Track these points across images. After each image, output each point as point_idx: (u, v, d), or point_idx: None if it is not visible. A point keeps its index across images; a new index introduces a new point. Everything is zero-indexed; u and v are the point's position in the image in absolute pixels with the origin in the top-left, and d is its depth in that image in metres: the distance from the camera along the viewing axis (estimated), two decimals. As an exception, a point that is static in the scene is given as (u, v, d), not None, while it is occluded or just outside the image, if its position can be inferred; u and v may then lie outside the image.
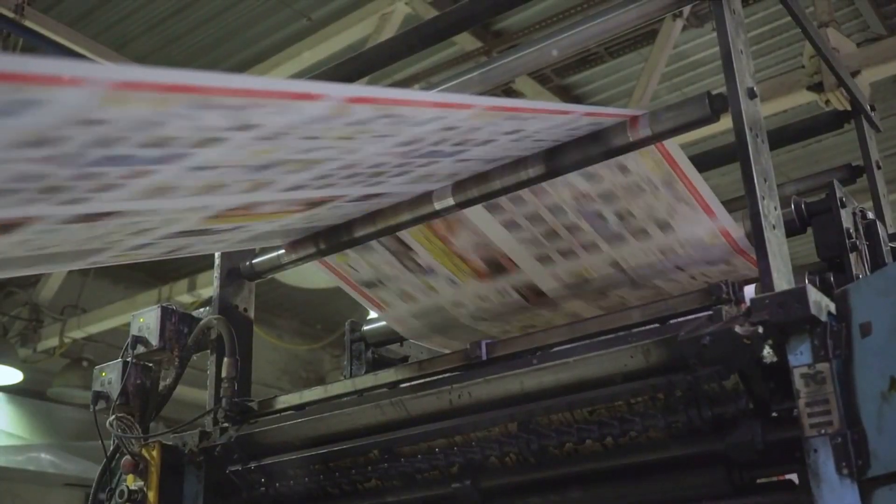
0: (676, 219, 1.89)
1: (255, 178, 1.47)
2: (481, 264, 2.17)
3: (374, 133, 1.38)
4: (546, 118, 1.61)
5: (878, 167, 2.40)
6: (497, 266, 2.17)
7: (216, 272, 2.40)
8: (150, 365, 2.33)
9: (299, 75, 5.54)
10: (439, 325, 2.41)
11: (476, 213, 2.03)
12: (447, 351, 2.43)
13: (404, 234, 2.16)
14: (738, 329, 1.42)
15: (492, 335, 2.36)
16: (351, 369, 2.64)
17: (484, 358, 1.84)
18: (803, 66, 4.43)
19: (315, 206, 1.82)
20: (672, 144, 1.76)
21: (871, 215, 1.98)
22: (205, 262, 6.41)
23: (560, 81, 6.21)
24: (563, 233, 2.02)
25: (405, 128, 1.37)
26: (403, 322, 2.45)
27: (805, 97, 4.56)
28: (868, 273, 1.86)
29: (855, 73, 4.38)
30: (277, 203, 1.70)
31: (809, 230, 1.94)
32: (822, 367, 1.36)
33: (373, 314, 2.57)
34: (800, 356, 1.39)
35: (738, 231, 1.88)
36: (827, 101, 4.26)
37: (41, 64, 0.87)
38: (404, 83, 5.92)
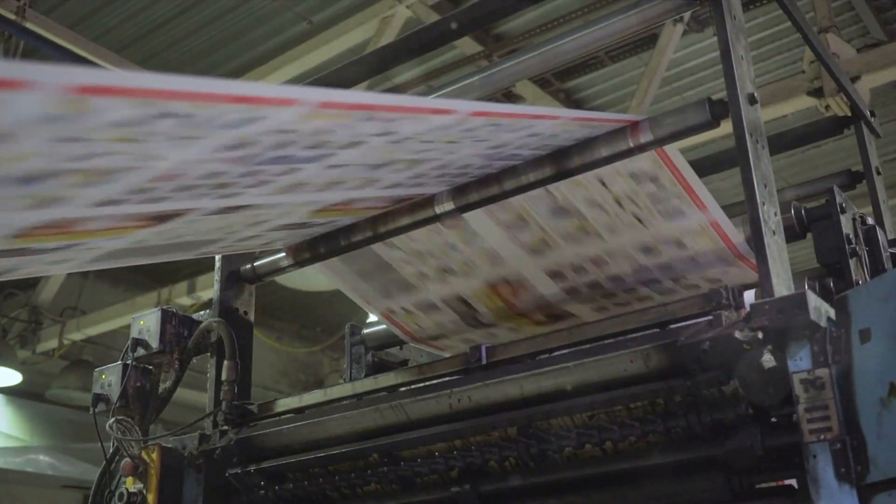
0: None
1: (369, 175, 1.57)
2: (542, 318, 2.25)
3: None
4: (549, 123, 1.65)
5: (878, 173, 2.40)
6: (557, 318, 2.23)
7: (217, 275, 2.41)
8: (150, 367, 2.33)
9: (300, 79, 5.55)
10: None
11: (540, 280, 2.11)
12: (447, 355, 2.43)
13: (470, 297, 2.24)
14: (737, 334, 1.43)
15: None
16: (351, 372, 2.64)
17: (484, 362, 1.84)
18: (803, 72, 4.43)
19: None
20: (672, 150, 1.76)
21: (870, 221, 1.98)
22: (204, 265, 6.40)
23: (560, 85, 6.21)
24: (623, 297, 2.11)
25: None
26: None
27: (805, 102, 4.56)
28: (868, 279, 1.86)
29: (855, 79, 4.39)
30: (371, 199, 1.81)
31: (809, 236, 1.94)
32: (822, 372, 1.36)
33: (373, 317, 2.58)
34: (799, 362, 1.39)
35: (737, 236, 1.88)
36: (827, 107, 4.26)
37: (271, 89, 1.08)
38: (404, 87, 5.93)
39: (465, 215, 2.00)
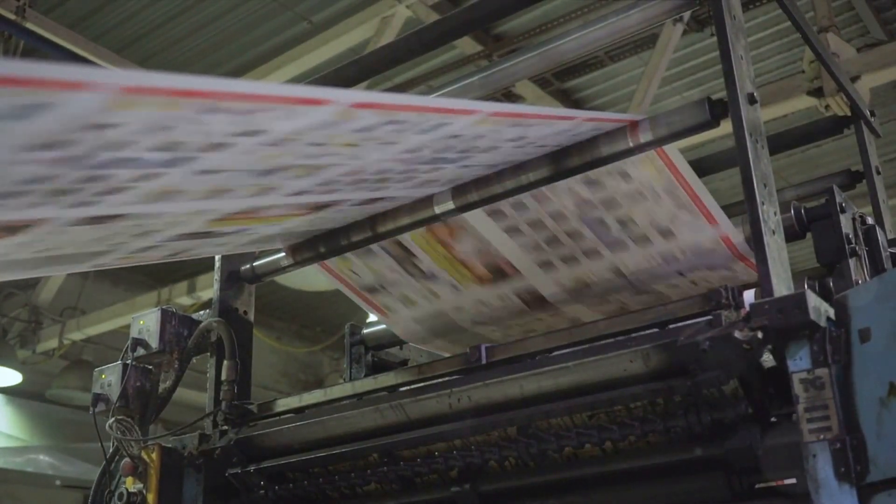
0: (677, 224, 1.90)
1: (261, 182, 1.47)
2: (483, 270, 2.18)
3: (380, 140, 1.38)
4: (549, 124, 1.62)
5: (878, 172, 2.40)
6: (499, 272, 2.17)
7: (216, 275, 2.41)
8: (150, 367, 2.33)
9: (299, 78, 5.55)
10: (440, 329, 2.41)
11: (478, 219, 2.04)
12: (447, 354, 2.43)
13: (407, 240, 2.16)
14: (737, 334, 1.43)
15: (492, 339, 2.36)
16: (350, 372, 2.64)
17: (484, 362, 1.84)
18: (803, 71, 4.43)
19: (318, 210, 1.83)
20: (672, 150, 1.76)
21: (870, 220, 1.98)
22: (204, 265, 6.40)
23: (560, 85, 6.21)
24: (565, 239, 2.03)
25: (410, 135, 1.38)
26: (404, 326, 2.45)
27: (805, 102, 4.56)
28: (867, 279, 1.86)
29: (855, 79, 4.39)
30: (281, 207, 1.70)
31: (809, 235, 1.94)
32: (822, 372, 1.36)
33: (373, 317, 2.57)
34: (799, 361, 1.39)
35: (737, 236, 1.88)
36: (827, 106, 4.26)
37: (52, 69, 0.90)
38: (404, 87, 5.93)
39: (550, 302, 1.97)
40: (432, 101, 1.37)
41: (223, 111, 1.11)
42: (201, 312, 2.42)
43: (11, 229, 1.41)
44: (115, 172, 1.24)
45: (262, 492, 2.09)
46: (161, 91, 1.02)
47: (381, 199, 1.87)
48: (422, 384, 1.93)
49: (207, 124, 1.14)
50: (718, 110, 1.64)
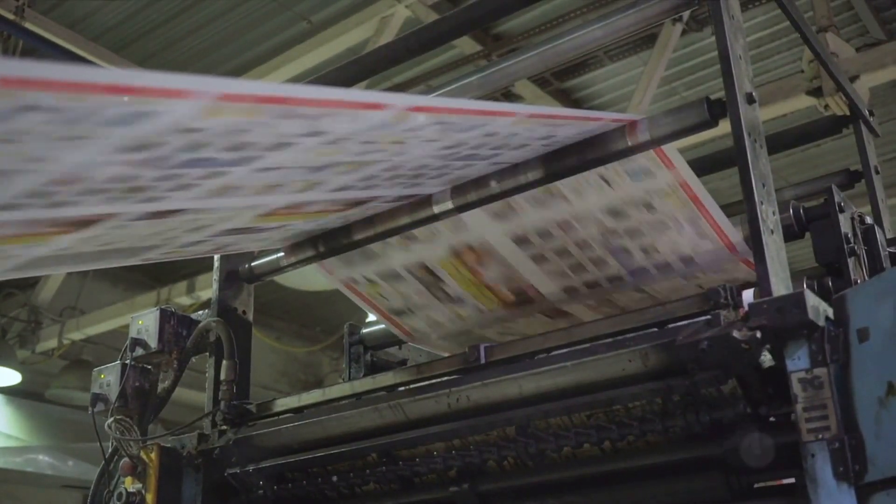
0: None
1: (310, 178, 1.52)
2: (509, 295, 2.22)
3: (425, 138, 1.42)
4: (576, 125, 1.64)
5: (877, 172, 2.40)
6: (524, 297, 2.20)
7: (215, 275, 2.41)
8: (149, 367, 2.33)
9: (299, 78, 5.54)
10: (462, 342, 2.44)
11: (505, 246, 2.08)
12: (446, 354, 2.43)
13: (435, 265, 2.21)
14: (736, 334, 1.43)
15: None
16: (350, 372, 2.64)
17: (482, 362, 1.84)
18: (802, 71, 4.43)
19: (354, 207, 1.87)
20: (672, 150, 1.76)
21: (869, 220, 1.98)
22: (204, 264, 6.40)
23: (559, 85, 6.21)
24: (591, 268, 2.07)
25: (452, 133, 1.42)
26: (428, 343, 2.50)
27: (804, 102, 4.56)
28: (866, 278, 1.86)
29: (854, 78, 4.39)
30: (323, 202, 1.75)
31: (808, 235, 1.94)
32: (820, 371, 1.36)
33: (372, 317, 2.57)
34: (797, 361, 1.39)
35: (736, 236, 1.88)
36: (826, 106, 4.26)
37: (157, 77, 0.97)
38: (404, 86, 5.93)
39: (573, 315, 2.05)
40: (479, 104, 1.43)
41: (297, 116, 1.17)
42: (200, 312, 2.42)
43: (82, 224, 1.45)
44: (188, 171, 1.30)
45: (260, 492, 2.09)
46: (251, 98, 1.10)
47: (414, 195, 1.90)
48: (421, 384, 1.93)
49: (280, 127, 1.20)
50: (717, 110, 1.64)
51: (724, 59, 1.63)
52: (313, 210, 1.82)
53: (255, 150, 1.27)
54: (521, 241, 2.05)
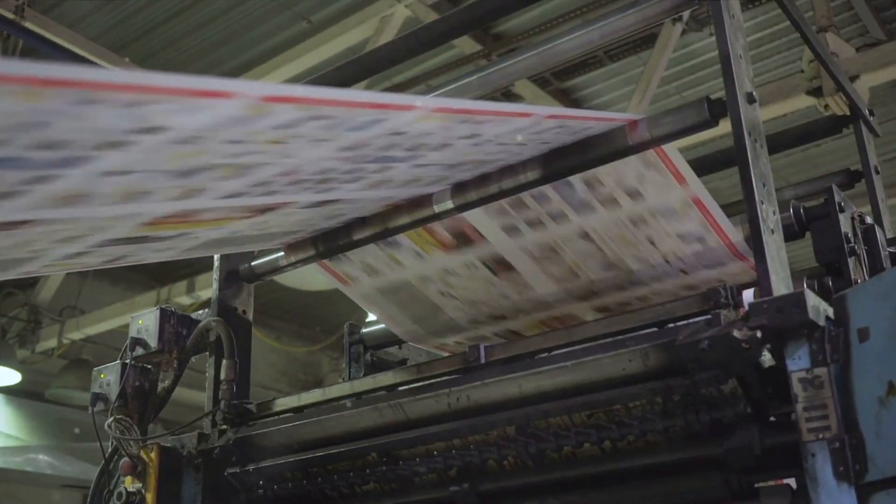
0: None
1: (183, 184, 1.40)
2: (447, 235, 2.13)
3: (309, 137, 1.33)
4: (504, 121, 1.55)
5: (877, 172, 2.40)
6: (463, 237, 2.12)
7: (215, 274, 2.41)
8: (149, 367, 2.33)
9: (299, 78, 5.54)
10: (417, 315, 2.38)
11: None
12: (445, 354, 2.43)
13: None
14: (736, 333, 1.43)
15: (482, 336, 2.36)
16: (350, 372, 2.64)
17: (482, 361, 1.84)
18: (802, 71, 4.43)
19: (263, 213, 1.76)
20: (672, 150, 1.76)
21: (869, 220, 1.98)
22: (204, 264, 6.40)
23: (559, 85, 6.21)
24: (531, 202, 1.97)
25: (343, 132, 1.33)
26: (371, 299, 2.40)
27: (804, 102, 4.56)
28: (866, 278, 1.86)
29: (854, 78, 4.39)
30: (218, 210, 1.63)
31: (808, 235, 1.94)
32: (821, 371, 1.36)
33: (372, 317, 2.57)
34: (798, 361, 1.39)
35: (736, 235, 1.88)
36: (826, 106, 4.26)
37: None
38: (404, 86, 5.93)
39: (518, 270, 2.08)
40: (354, 94, 1.28)
41: (100, 102, 1.00)
42: (200, 312, 2.42)
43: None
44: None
45: (260, 491, 2.09)
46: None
47: (336, 200, 1.81)
48: (420, 384, 1.93)
49: (90, 119, 1.03)
50: (717, 110, 1.64)
51: (725, 58, 1.63)
52: (212, 218, 1.69)
53: (77, 150, 1.13)
54: (510, 230, 2.05)
